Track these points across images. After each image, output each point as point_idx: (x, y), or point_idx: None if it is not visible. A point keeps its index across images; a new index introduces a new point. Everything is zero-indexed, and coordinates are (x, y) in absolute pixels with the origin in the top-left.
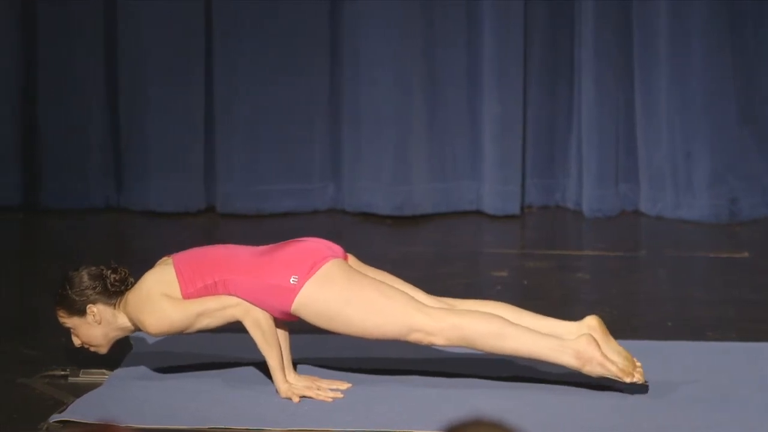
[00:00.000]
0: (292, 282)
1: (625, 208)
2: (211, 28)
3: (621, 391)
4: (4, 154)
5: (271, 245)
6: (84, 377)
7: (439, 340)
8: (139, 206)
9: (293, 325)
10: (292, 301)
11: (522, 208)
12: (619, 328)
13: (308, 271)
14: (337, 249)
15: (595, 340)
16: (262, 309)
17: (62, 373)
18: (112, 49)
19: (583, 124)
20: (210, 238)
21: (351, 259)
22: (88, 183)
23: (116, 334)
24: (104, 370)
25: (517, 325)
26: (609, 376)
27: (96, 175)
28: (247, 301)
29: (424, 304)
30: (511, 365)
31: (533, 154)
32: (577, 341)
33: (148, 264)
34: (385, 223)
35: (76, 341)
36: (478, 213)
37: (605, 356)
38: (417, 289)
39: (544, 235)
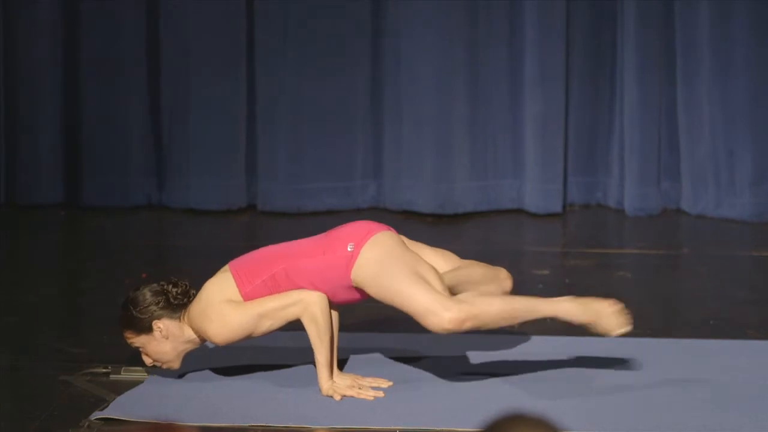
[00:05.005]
0: (349, 249)
1: (666, 206)
2: (253, 26)
3: (663, 388)
4: (48, 152)
5: (326, 232)
6: (125, 374)
7: (452, 326)
8: (180, 204)
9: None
10: (352, 267)
11: (564, 207)
12: (661, 327)
13: (363, 237)
14: (392, 230)
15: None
16: (325, 290)
17: (104, 370)
18: (155, 48)
19: (625, 122)
20: (251, 235)
21: (406, 241)
22: (130, 181)
23: (185, 347)
24: (146, 368)
25: (522, 297)
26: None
27: (138, 173)
28: (310, 282)
29: (448, 297)
30: (553, 364)
31: (575, 152)
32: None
33: (189, 261)
34: (426, 221)
35: (147, 360)
36: (520, 211)
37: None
38: (449, 255)
39: (586, 233)
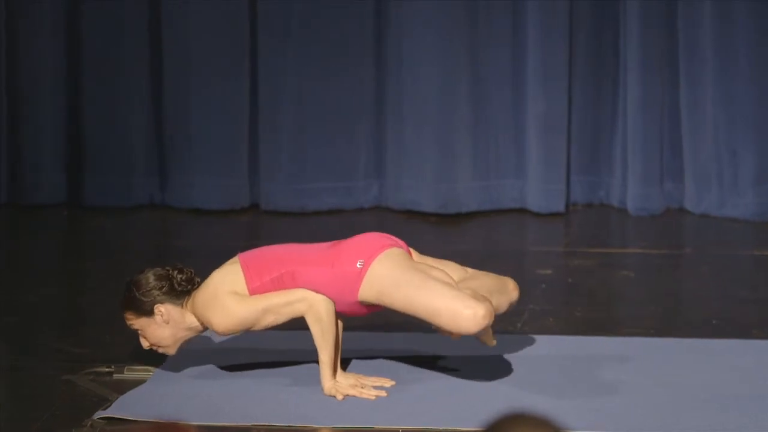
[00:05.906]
0: (358, 266)
1: (669, 206)
2: (255, 26)
3: (664, 388)
4: (49, 152)
5: (335, 241)
6: (129, 374)
7: (486, 321)
8: (183, 204)
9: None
10: (360, 284)
11: (566, 206)
12: (663, 326)
13: (372, 254)
14: (401, 242)
15: None
16: (331, 299)
17: (107, 369)
18: (157, 47)
19: (628, 122)
20: (254, 235)
21: (414, 253)
22: (132, 180)
23: (185, 334)
24: (149, 367)
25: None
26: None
27: (140, 173)
28: (316, 291)
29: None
30: (553, 364)
31: (578, 152)
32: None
33: (192, 261)
34: (429, 221)
35: (145, 343)
36: (523, 211)
37: None
38: (455, 268)
39: (589, 233)
